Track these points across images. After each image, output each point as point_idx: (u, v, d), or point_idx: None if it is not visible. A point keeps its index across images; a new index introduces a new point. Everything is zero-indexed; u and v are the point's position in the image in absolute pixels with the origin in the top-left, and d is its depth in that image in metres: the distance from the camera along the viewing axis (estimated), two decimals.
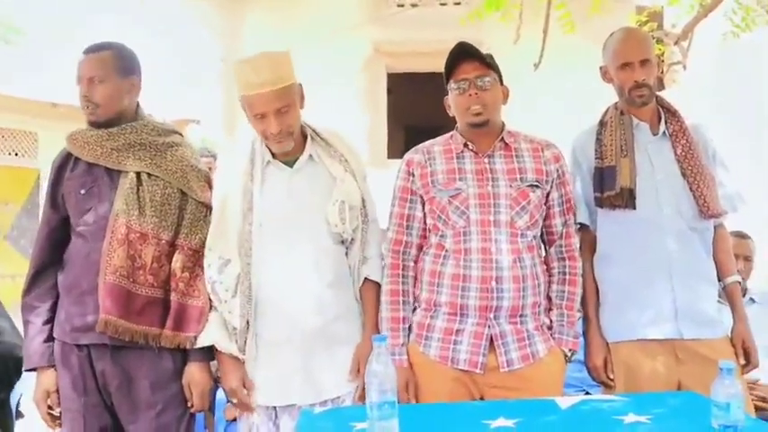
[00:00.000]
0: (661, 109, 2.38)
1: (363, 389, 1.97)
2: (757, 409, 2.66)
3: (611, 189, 2.28)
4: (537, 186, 2.19)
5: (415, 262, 2.26)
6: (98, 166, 2.22)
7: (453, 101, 2.22)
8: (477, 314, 2.12)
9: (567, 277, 2.25)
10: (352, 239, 2.27)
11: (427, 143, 2.32)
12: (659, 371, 2.22)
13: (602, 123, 2.40)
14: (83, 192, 2.21)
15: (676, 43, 5.62)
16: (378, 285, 2.29)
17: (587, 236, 2.39)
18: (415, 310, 2.24)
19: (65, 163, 2.26)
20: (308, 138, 2.29)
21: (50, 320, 2.22)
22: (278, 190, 2.23)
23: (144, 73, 2.32)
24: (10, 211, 8.07)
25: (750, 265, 3.41)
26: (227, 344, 2.17)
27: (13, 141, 8.11)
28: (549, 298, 2.24)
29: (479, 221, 2.14)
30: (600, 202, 2.32)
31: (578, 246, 2.31)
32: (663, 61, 5.91)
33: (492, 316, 2.11)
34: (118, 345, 2.13)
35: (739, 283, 2.40)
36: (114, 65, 2.20)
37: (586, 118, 2.54)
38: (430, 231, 2.24)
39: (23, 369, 2.28)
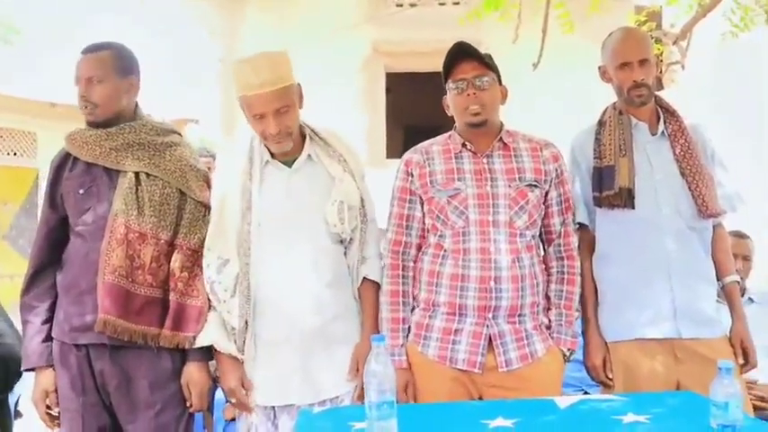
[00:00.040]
0: (660, 109, 2.38)
1: (362, 388, 1.98)
2: (756, 408, 2.66)
3: (610, 189, 2.28)
4: (536, 186, 2.19)
5: (414, 262, 2.26)
6: (97, 166, 2.22)
7: (452, 101, 2.22)
8: (475, 314, 2.12)
9: (566, 277, 2.25)
10: (351, 239, 2.27)
11: (425, 143, 2.32)
12: (658, 370, 2.22)
13: (600, 123, 2.40)
14: (81, 191, 2.21)
15: (675, 43, 5.62)
16: (376, 285, 2.29)
17: (586, 235, 2.39)
18: (413, 309, 2.24)
19: (63, 163, 2.26)
20: (307, 137, 2.29)
21: (49, 320, 2.22)
22: (277, 190, 2.23)
23: (143, 73, 2.32)
24: (8, 210, 8.07)
25: (749, 264, 3.41)
26: (225, 344, 2.17)
27: (11, 141, 8.12)
28: (547, 297, 2.25)
29: (478, 221, 2.14)
30: (599, 202, 2.32)
31: (577, 245, 2.31)
32: (661, 61, 5.91)
33: (490, 316, 2.11)
34: (117, 344, 2.13)
35: (738, 282, 2.40)
36: (113, 65, 2.20)
37: (585, 118, 2.54)
38: (428, 231, 2.24)
39: (22, 369, 2.27)
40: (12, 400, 2.75)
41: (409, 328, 2.22)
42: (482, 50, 2.18)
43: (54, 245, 2.26)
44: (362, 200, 2.28)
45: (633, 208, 2.26)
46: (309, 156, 2.28)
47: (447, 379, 2.13)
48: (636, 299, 2.26)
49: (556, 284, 2.25)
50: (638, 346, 2.25)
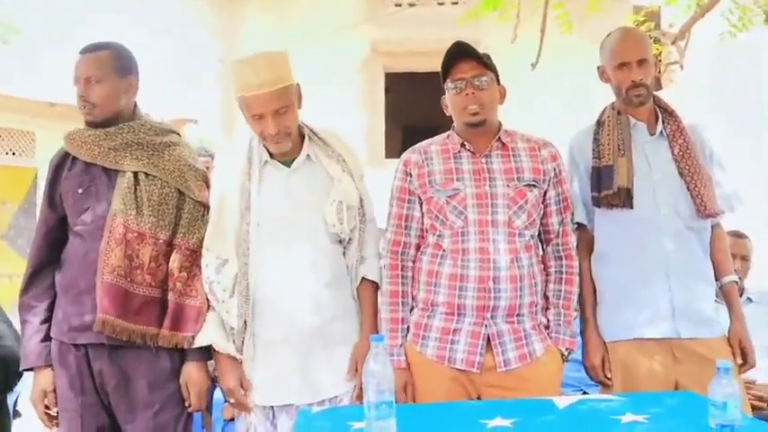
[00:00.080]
0: (658, 109, 2.38)
1: (361, 388, 1.98)
2: (754, 408, 2.67)
3: (609, 188, 2.28)
4: (534, 186, 2.19)
5: (413, 262, 2.26)
6: (96, 166, 2.21)
7: (450, 100, 2.22)
8: (474, 314, 2.12)
9: (564, 276, 2.25)
10: (350, 239, 2.28)
11: (424, 143, 2.32)
12: (656, 370, 2.22)
13: (599, 123, 2.40)
14: (80, 191, 2.21)
15: (673, 43, 5.63)
16: (375, 285, 2.29)
17: (585, 235, 2.39)
18: (411, 309, 2.24)
19: (62, 162, 2.26)
20: (306, 137, 2.29)
21: (48, 320, 2.22)
22: (275, 190, 2.23)
23: (143, 73, 2.32)
24: (7, 210, 8.07)
25: (747, 264, 3.42)
26: (224, 344, 2.17)
27: (10, 141, 8.11)
28: (546, 297, 2.25)
29: (477, 221, 2.14)
30: (597, 202, 2.32)
31: (575, 244, 2.31)
32: (660, 61, 5.91)
33: (489, 316, 2.11)
34: (115, 344, 2.13)
35: (736, 282, 2.41)
36: (111, 65, 2.20)
37: (584, 118, 2.54)
38: (427, 231, 2.24)
39: (20, 368, 2.27)
40: (10, 399, 2.74)
41: (408, 327, 2.22)
42: (481, 50, 2.18)
43: (53, 244, 2.26)
44: (361, 200, 2.28)
45: (632, 208, 2.26)
46: (308, 156, 2.28)
47: (445, 379, 2.13)
48: (634, 299, 2.26)
49: (554, 284, 2.25)
50: (637, 345, 2.25)
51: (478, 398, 2.14)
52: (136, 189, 2.18)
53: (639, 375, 2.23)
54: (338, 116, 4.99)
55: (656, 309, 2.25)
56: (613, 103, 2.41)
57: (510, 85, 2.29)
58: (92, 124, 2.22)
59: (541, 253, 2.29)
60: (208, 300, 2.20)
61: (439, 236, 2.19)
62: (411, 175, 2.25)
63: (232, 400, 2.20)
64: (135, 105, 2.32)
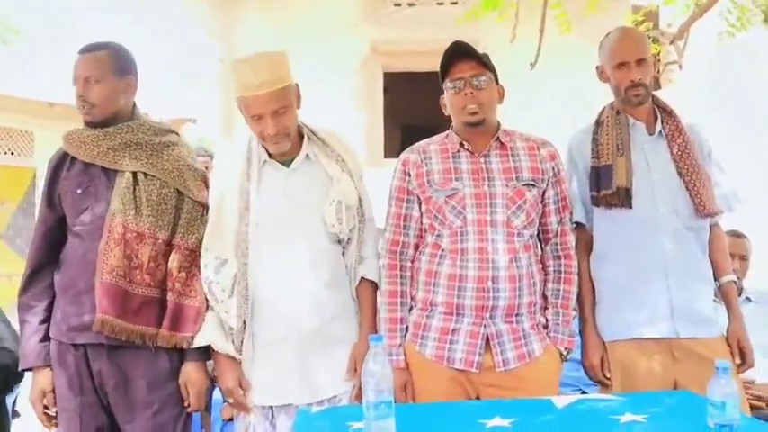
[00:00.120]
0: (657, 108, 2.39)
1: (360, 388, 1.98)
2: (753, 407, 2.67)
3: (608, 188, 2.28)
4: (533, 185, 2.19)
5: (412, 262, 2.26)
6: (94, 166, 2.21)
7: (449, 100, 2.22)
8: (473, 314, 2.12)
9: (563, 276, 2.25)
10: (349, 239, 2.28)
11: (423, 143, 2.32)
12: (655, 370, 2.22)
13: (598, 123, 2.40)
14: (79, 191, 2.21)
15: (672, 43, 5.64)
16: (374, 285, 2.29)
17: (584, 235, 2.39)
18: (410, 309, 2.24)
19: (61, 162, 2.26)
20: (305, 137, 2.29)
21: (47, 320, 2.22)
22: (275, 190, 2.23)
23: (142, 73, 2.31)
24: (6, 210, 8.06)
25: (746, 264, 3.42)
26: (223, 344, 2.17)
27: (9, 140, 8.10)
28: (544, 297, 2.25)
29: (476, 221, 2.14)
30: (596, 201, 2.32)
31: (574, 244, 2.31)
32: (659, 61, 5.89)
33: (488, 315, 2.12)
34: (114, 344, 2.13)
35: (735, 282, 2.41)
36: (110, 65, 2.20)
37: (582, 117, 2.54)
38: (426, 231, 2.23)
39: (19, 368, 2.27)
40: (9, 399, 2.74)
41: (407, 327, 2.22)
42: (479, 50, 2.19)
43: (52, 244, 2.26)
44: (360, 199, 2.28)
45: (631, 207, 2.26)
46: (307, 156, 2.28)
47: (444, 378, 2.13)
48: (633, 298, 2.26)
49: (553, 284, 2.25)
50: (636, 345, 2.25)
51: (477, 397, 2.14)
52: (135, 189, 2.18)
53: (638, 375, 2.23)
54: (337, 116, 4.99)
55: (654, 308, 2.25)
56: (612, 103, 2.41)
57: (509, 85, 2.29)
58: (91, 124, 2.22)
59: (540, 252, 2.29)
60: (207, 300, 2.20)
61: (438, 236, 2.19)
62: (410, 175, 2.25)
63: (231, 400, 2.20)
64: (134, 105, 2.32)
